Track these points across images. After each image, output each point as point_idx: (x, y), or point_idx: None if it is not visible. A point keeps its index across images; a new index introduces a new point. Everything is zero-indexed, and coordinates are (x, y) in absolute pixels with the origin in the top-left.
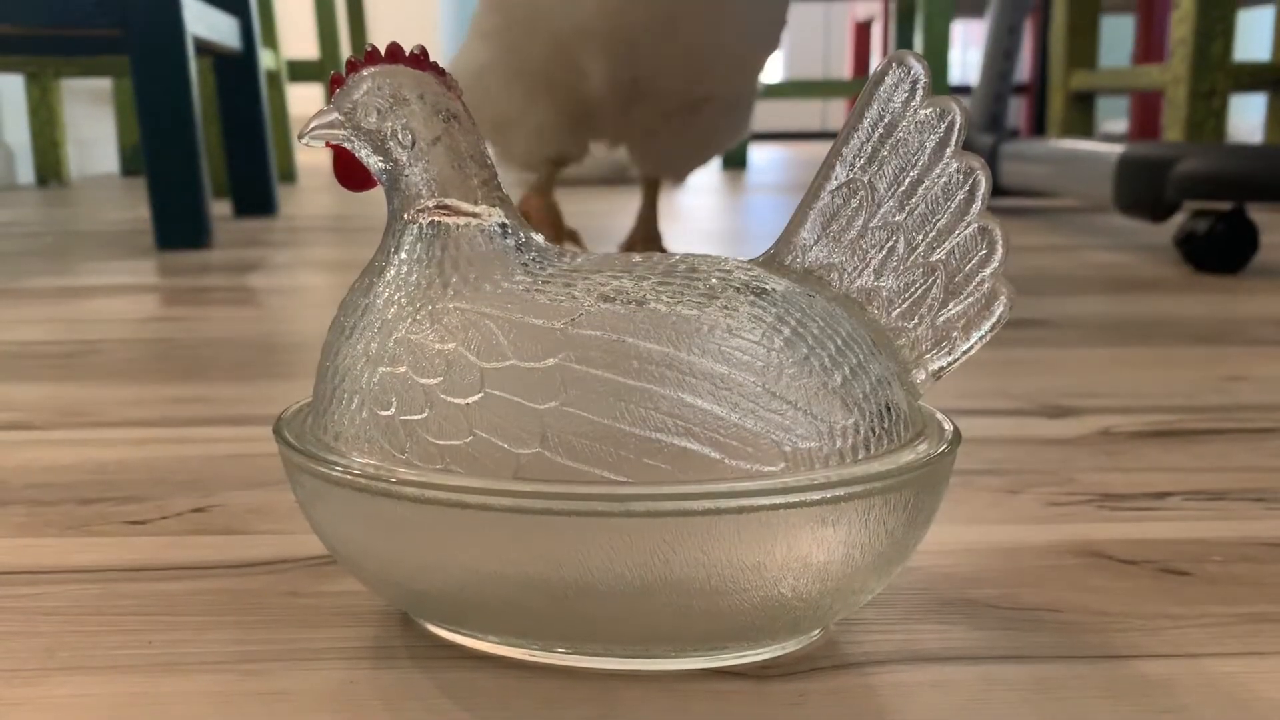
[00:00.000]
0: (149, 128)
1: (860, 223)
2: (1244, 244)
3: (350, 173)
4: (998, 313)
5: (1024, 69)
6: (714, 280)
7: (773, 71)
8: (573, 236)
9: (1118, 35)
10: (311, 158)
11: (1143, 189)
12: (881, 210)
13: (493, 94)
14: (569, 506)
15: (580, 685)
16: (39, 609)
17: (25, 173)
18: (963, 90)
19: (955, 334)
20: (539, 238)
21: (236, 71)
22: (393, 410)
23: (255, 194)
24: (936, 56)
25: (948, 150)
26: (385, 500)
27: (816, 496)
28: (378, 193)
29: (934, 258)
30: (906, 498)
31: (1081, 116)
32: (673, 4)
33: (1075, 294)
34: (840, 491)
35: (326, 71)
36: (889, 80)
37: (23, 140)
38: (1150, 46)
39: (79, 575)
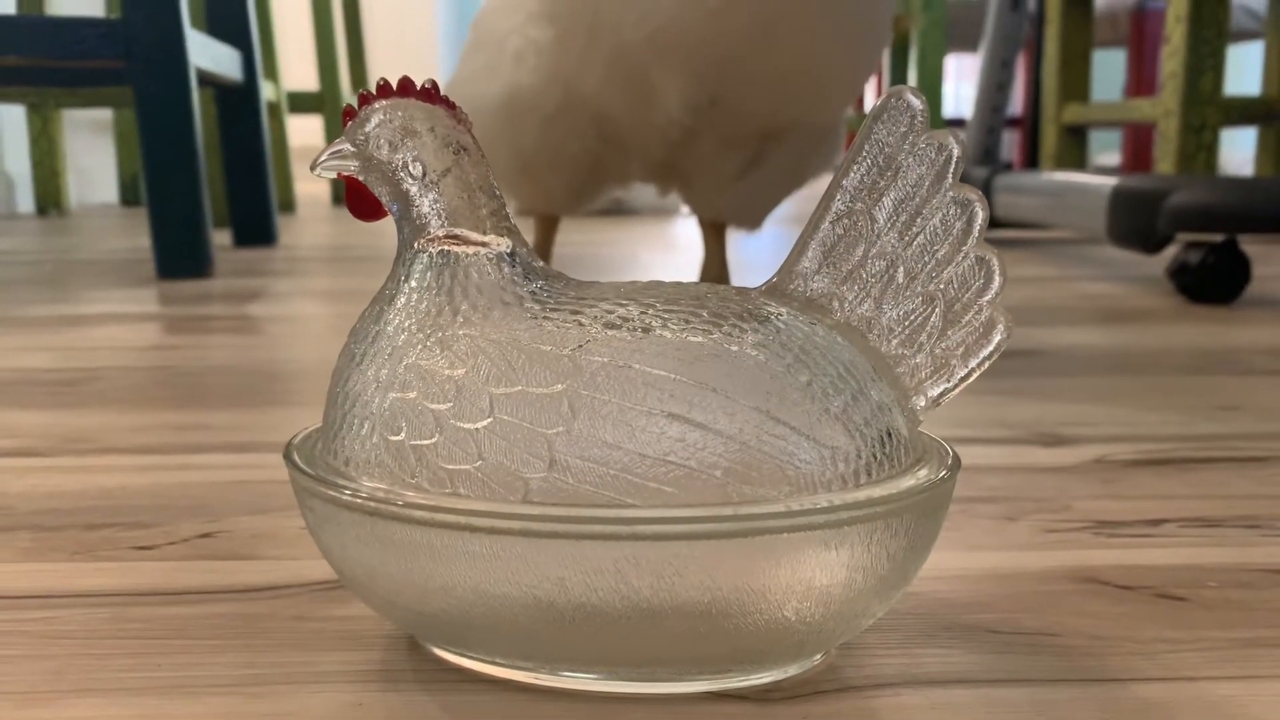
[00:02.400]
0: (151, 158)
1: (860, 252)
2: (1236, 275)
3: (362, 203)
4: (996, 340)
5: (1017, 102)
6: (718, 307)
7: None
8: None
9: (1110, 69)
10: (310, 188)
11: (1136, 221)
12: (881, 240)
13: (524, 126)
14: (577, 530)
15: (585, 709)
16: (49, 632)
17: (25, 202)
18: (957, 123)
19: (954, 361)
20: (546, 265)
21: (238, 103)
22: (403, 435)
23: (255, 224)
24: (930, 90)
25: (946, 182)
26: (395, 524)
27: (820, 520)
28: (377, 224)
29: (932, 287)
30: (908, 522)
31: (1074, 149)
32: (773, 12)
33: (1070, 324)
34: (843, 515)
35: (326, 103)
36: (888, 115)
37: (23, 169)
38: (1141, 80)
39: (87, 600)
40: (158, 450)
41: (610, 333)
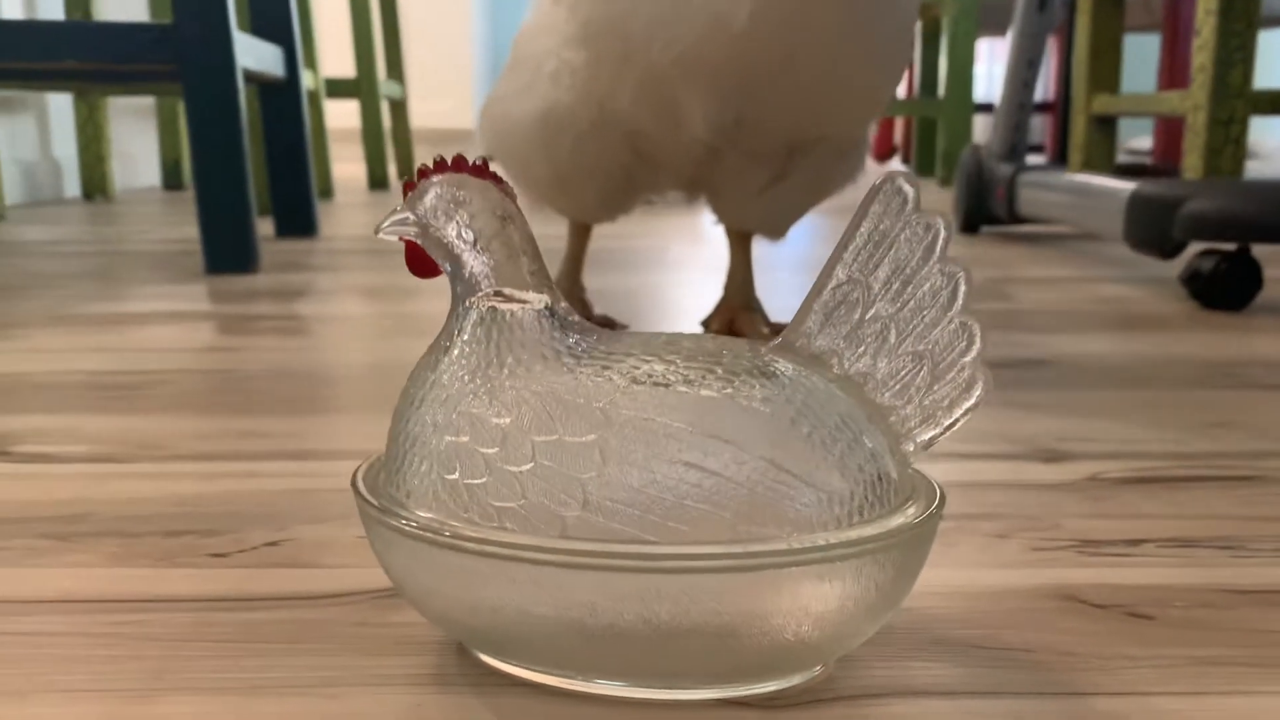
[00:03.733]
0: (201, 156)
1: (858, 315)
2: (1248, 283)
3: (420, 263)
4: (976, 394)
5: (1049, 87)
6: (731, 364)
7: None
8: (605, 322)
9: (1144, 54)
10: (347, 170)
11: (1151, 227)
12: (876, 306)
13: (560, 143)
14: (606, 563)
15: (614, 712)
16: (143, 635)
17: (72, 187)
18: (987, 108)
19: (940, 412)
20: (580, 319)
21: (280, 97)
22: (457, 474)
23: (297, 216)
24: (960, 76)
25: (934, 256)
26: (450, 552)
27: (815, 556)
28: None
29: (921, 347)
30: (894, 556)
31: (1103, 139)
32: (796, 37)
33: (1082, 331)
34: (835, 553)
35: (362, 89)
36: (883, 197)
37: (70, 155)
38: (1175, 66)
39: (173, 605)
40: (223, 458)
41: (636, 387)
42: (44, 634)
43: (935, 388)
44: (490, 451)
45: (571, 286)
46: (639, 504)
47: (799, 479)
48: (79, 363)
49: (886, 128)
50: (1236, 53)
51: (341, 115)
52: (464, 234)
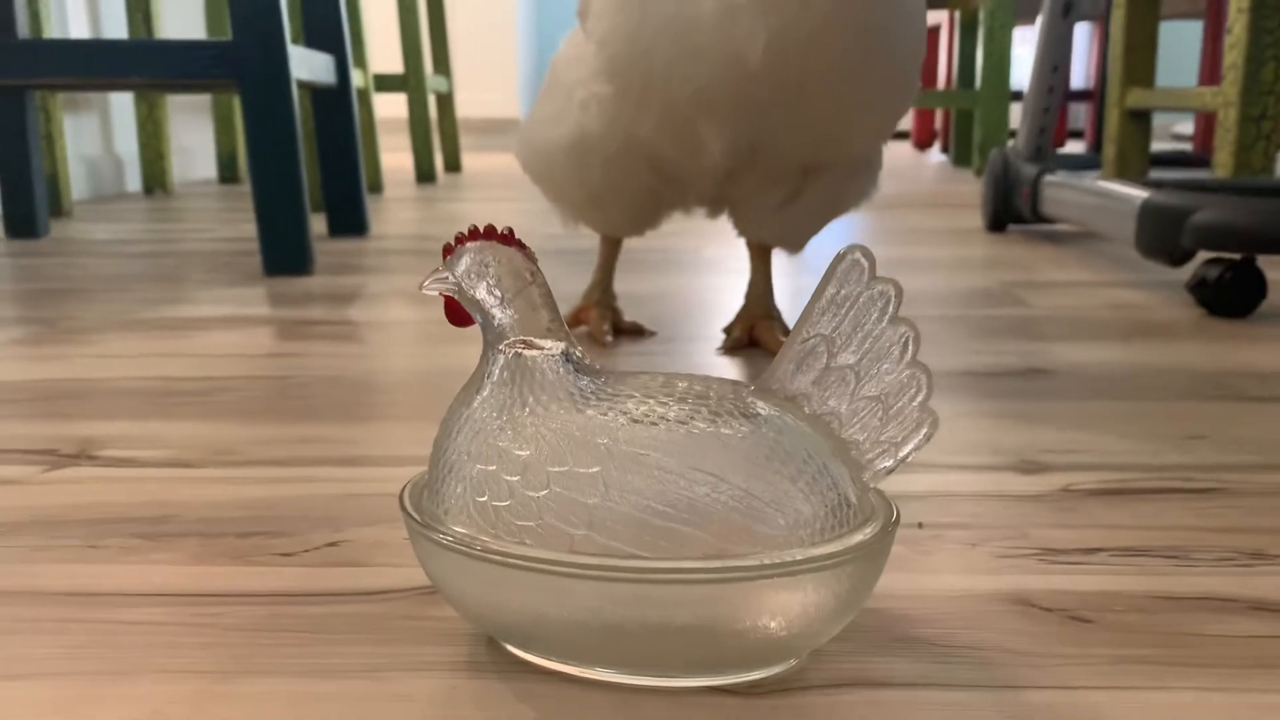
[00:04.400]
0: (258, 164)
1: (823, 365)
2: (1252, 291)
3: (456, 315)
4: (923, 432)
5: (1090, 75)
6: (716, 405)
7: None
8: (634, 329)
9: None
10: (396, 160)
11: (1161, 236)
12: (839, 357)
13: (589, 166)
14: (607, 575)
15: (614, 696)
16: (225, 625)
17: (133, 181)
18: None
19: (894, 446)
20: (590, 361)
21: (331, 103)
22: (486, 497)
23: (349, 215)
24: (998, 66)
25: (888, 316)
26: (480, 563)
27: (782, 571)
28: (452, 214)
29: (877, 392)
30: (850, 569)
31: (1137, 132)
32: (805, 73)
33: (1087, 340)
34: (797, 568)
35: (410, 84)
36: (844, 267)
37: (131, 151)
38: (1217, 55)
39: (248, 599)
40: (285, 463)
41: (634, 425)
42: (143, 623)
43: (889, 426)
44: (513, 479)
45: (603, 295)
46: (634, 525)
47: (770, 504)
48: (152, 369)
49: (927, 116)
50: (1268, 50)
51: (390, 105)
52: (493, 292)
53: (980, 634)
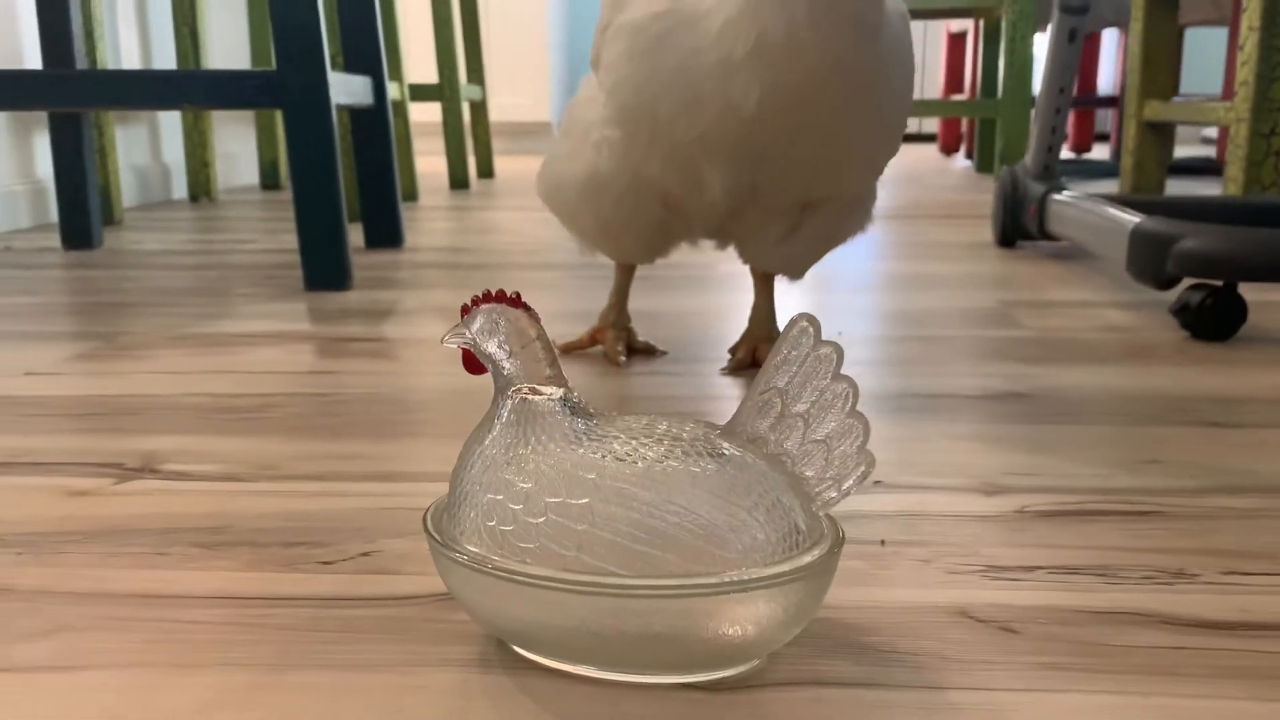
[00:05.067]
0: (300, 185)
1: (779, 413)
2: (1233, 316)
3: (472, 365)
4: (861, 470)
5: (1116, 81)
6: (688, 446)
7: None
8: (647, 349)
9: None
10: (430, 165)
11: (1149, 261)
12: (793, 406)
13: (602, 200)
14: (593, 590)
15: (602, 689)
16: (273, 624)
17: (179, 188)
18: None
19: (837, 482)
20: (584, 403)
21: (369, 121)
22: (494, 522)
23: (384, 228)
24: (1019, 73)
25: (832, 374)
26: (489, 578)
27: (739, 588)
28: (486, 231)
29: (823, 435)
30: (798, 586)
31: (1155, 143)
32: (798, 120)
33: (1071, 363)
34: (753, 585)
35: (444, 94)
36: (794, 332)
37: (178, 159)
38: None
39: (293, 602)
40: (327, 478)
41: (617, 463)
42: (201, 622)
43: (833, 465)
44: (517, 507)
45: (618, 317)
46: (616, 549)
47: (730, 531)
48: (204, 385)
49: (953, 121)
50: (1278, 67)
51: (426, 110)
52: (502, 347)
53: (919, 642)
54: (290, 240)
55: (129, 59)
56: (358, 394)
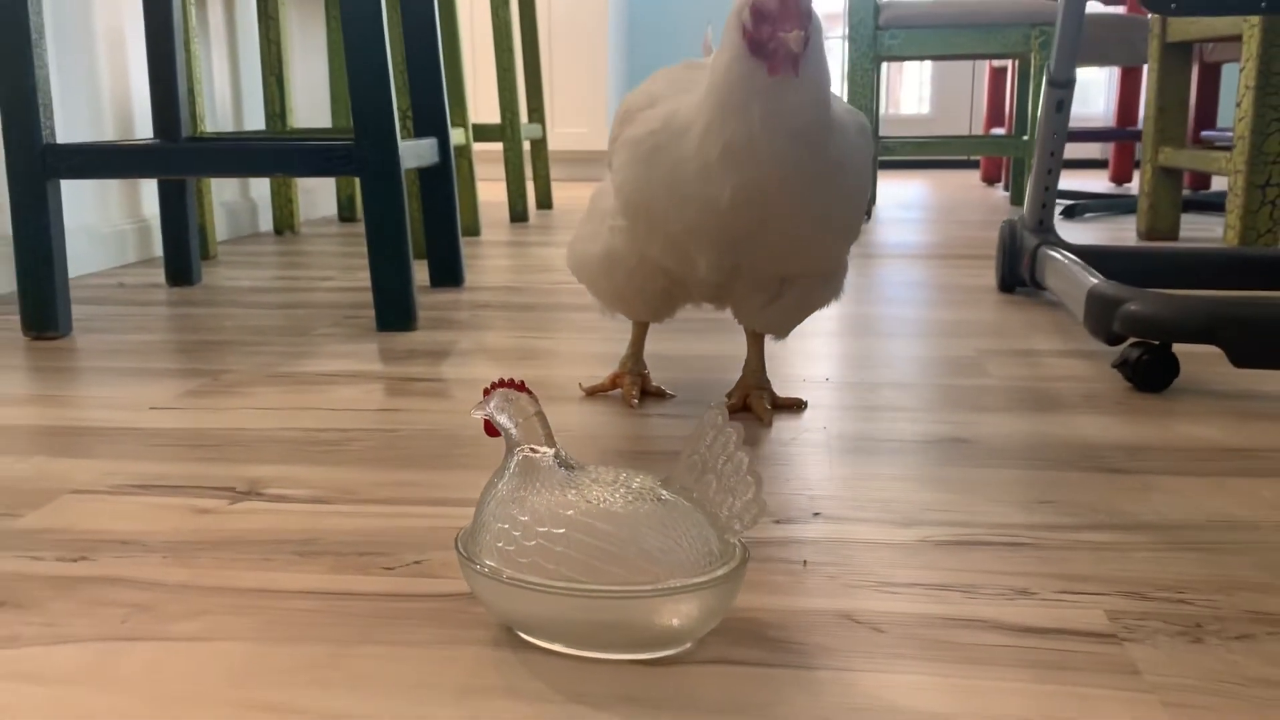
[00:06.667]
0: (373, 239)
1: (700, 470)
2: (1166, 372)
3: (490, 430)
4: (754, 513)
5: (1140, 115)
6: (638, 491)
7: (924, 105)
8: (658, 393)
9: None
10: (491, 195)
11: (1100, 320)
12: (710, 467)
13: (616, 273)
14: (571, 594)
15: (577, 662)
16: (349, 612)
17: (265, 222)
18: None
19: (740, 520)
20: (568, 457)
21: (435, 176)
22: (502, 544)
23: (447, 269)
24: None
25: (735, 445)
26: (500, 585)
27: (669, 593)
28: (539, 266)
29: (729, 486)
30: (713, 590)
31: (1168, 186)
32: (765, 214)
33: (1015, 411)
34: (680, 592)
35: (506, 135)
36: (708, 417)
37: (264, 196)
38: None
39: (364, 596)
40: (393, 502)
41: (586, 503)
42: (299, 609)
43: (736, 506)
44: (517, 534)
45: (634, 365)
46: (584, 566)
47: (664, 553)
48: (295, 420)
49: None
50: (1273, 124)
51: (488, 151)
52: (511, 419)
53: (808, 636)
54: (363, 277)
55: (222, 103)
56: (418, 430)
